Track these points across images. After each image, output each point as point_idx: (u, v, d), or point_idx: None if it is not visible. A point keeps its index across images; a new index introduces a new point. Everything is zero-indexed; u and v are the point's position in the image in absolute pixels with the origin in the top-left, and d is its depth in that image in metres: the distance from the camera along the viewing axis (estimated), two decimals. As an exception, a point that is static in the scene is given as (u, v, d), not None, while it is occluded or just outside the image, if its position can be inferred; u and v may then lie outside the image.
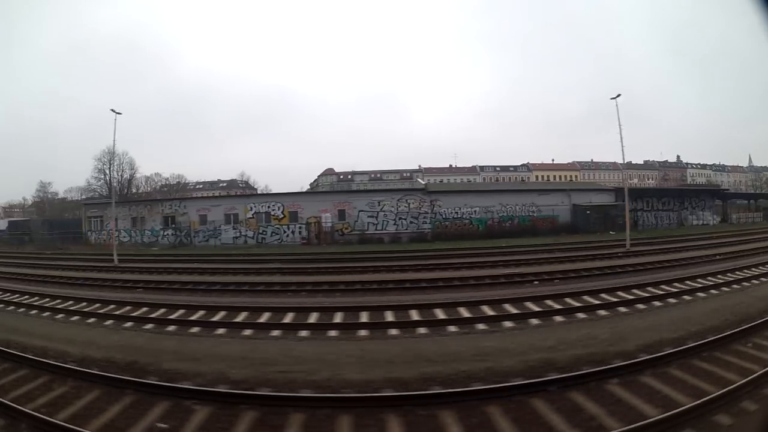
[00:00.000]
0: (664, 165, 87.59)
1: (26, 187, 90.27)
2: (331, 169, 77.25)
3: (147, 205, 39.03)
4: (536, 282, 12.81)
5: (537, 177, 77.28)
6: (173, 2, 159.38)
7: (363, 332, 8.19)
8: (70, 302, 11.49)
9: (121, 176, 59.82)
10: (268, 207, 36.62)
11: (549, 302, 9.82)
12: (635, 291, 10.61)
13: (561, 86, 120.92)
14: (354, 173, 75.60)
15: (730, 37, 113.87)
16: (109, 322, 9.55)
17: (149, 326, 9.02)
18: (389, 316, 9.09)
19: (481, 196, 37.87)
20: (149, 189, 69.25)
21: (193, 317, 9.54)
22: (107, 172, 56.26)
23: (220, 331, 8.55)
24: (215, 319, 9.35)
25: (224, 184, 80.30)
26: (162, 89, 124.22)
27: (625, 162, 34.56)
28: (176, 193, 67.43)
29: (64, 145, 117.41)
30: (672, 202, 40.43)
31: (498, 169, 77.95)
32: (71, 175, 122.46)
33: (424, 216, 35.96)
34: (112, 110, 24.61)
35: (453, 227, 35.77)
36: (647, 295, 10.20)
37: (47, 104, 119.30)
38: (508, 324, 8.40)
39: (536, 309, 9.29)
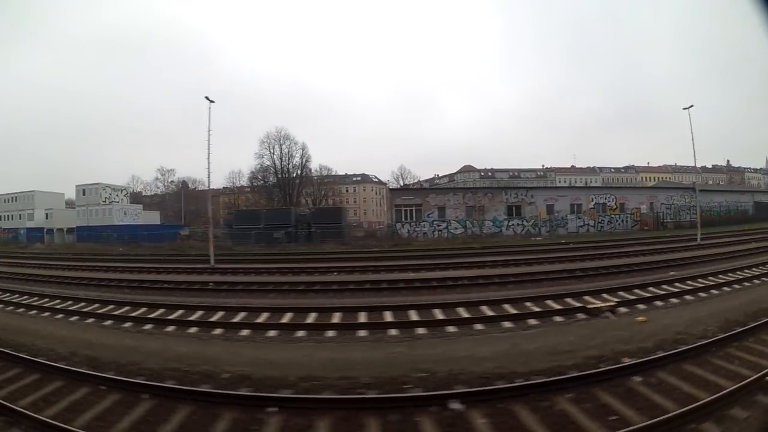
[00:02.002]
0: (720, 169, 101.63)
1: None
2: (471, 166, 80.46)
3: (488, 193, 39.93)
4: None
5: (642, 178, 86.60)
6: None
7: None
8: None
9: (289, 161, 57.67)
10: (605, 198, 40.26)
11: None
12: None
13: (580, 89, 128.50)
14: (494, 170, 79.53)
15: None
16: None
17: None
18: None
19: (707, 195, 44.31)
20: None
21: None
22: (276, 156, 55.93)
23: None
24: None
25: (358, 178, 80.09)
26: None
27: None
28: (324, 185, 66.42)
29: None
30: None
31: (612, 170, 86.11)
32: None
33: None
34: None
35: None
36: None
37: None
38: None
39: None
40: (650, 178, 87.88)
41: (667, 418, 4.10)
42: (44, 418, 4.50)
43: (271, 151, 56.25)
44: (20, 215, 57.77)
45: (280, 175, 57.09)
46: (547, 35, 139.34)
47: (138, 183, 73.99)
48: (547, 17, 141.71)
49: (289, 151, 56.76)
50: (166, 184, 72.77)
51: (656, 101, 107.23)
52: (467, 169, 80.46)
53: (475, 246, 26.28)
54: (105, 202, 54.42)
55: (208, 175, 22.28)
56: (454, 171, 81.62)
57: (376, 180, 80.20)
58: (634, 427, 3.96)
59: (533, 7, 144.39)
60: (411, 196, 40.67)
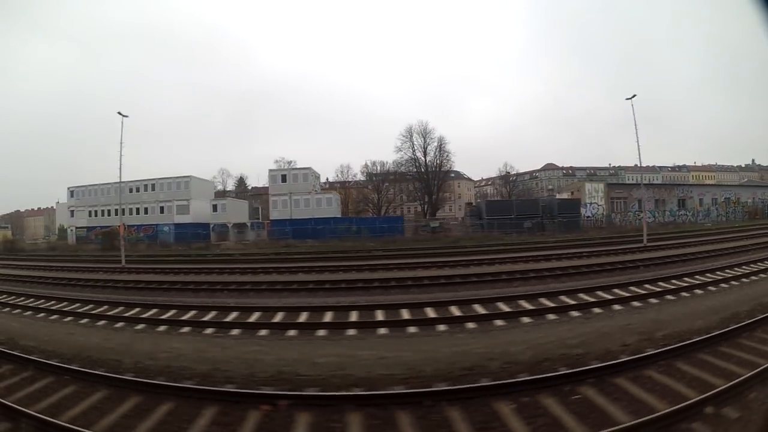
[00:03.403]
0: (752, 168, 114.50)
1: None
2: (553, 164, 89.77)
3: (667, 189, 49.96)
4: None
5: (693, 176, 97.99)
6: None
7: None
8: None
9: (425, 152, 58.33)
10: (730, 194, 50.65)
11: None
12: None
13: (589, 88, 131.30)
14: (574, 168, 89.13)
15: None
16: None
17: None
18: None
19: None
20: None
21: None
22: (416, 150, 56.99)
23: None
24: None
25: (452, 174, 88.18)
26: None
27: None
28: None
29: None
30: None
31: (669, 169, 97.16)
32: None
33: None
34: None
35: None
36: None
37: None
38: None
39: None
40: (699, 176, 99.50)
41: None
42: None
43: (412, 143, 57.10)
44: (162, 208, 46.58)
45: (423, 169, 58.44)
46: (553, 36, 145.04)
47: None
48: (558, 19, 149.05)
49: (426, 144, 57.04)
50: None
51: (657, 102, 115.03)
52: (550, 167, 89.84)
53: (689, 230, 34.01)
54: (314, 190, 46.35)
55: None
56: (537, 168, 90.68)
57: (466, 176, 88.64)
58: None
59: (547, 9, 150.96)
60: (620, 191, 49.05)
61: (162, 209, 46.63)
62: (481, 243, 27.54)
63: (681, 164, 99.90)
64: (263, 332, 8.22)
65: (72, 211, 52.64)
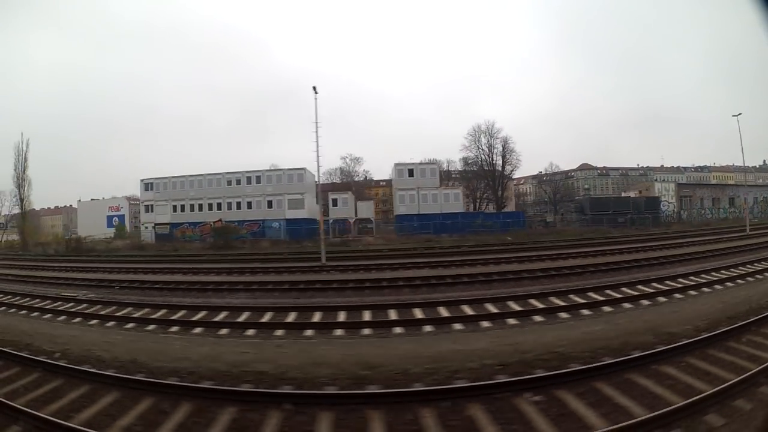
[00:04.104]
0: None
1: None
2: (588, 164, 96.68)
3: (720, 188, 57.65)
4: None
5: (714, 176, 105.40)
6: None
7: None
8: None
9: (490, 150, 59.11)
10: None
11: None
12: None
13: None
14: (608, 168, 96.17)
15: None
16: None
17: None
18: None
19: None
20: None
21: None
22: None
23: None
24: None
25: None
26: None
27: None
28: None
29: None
30: None
31: (692, 169, 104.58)
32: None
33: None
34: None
35: None
36: None
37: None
38: None
39: None
40: (721, 177, 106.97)
41: None
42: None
43: (478, 143, 58.16)
44: (270, 202, 44.37)
45: (486, 167, 59.61)
46: (559, 35, 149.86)
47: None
48: (566, 19, 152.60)
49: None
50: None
51: (659, 103, 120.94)
52: (585, 167, 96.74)
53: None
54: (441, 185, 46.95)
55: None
56: (574, 168, 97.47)
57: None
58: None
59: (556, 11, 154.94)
60: (687, 190, 56.30)
61: (270, 203, 44.53)
62: (604, 236, 32.59)
63: (702, 165, 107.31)
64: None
65: (148, 206, 49.03)
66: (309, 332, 8.85)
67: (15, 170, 52.71)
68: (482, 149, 57.81)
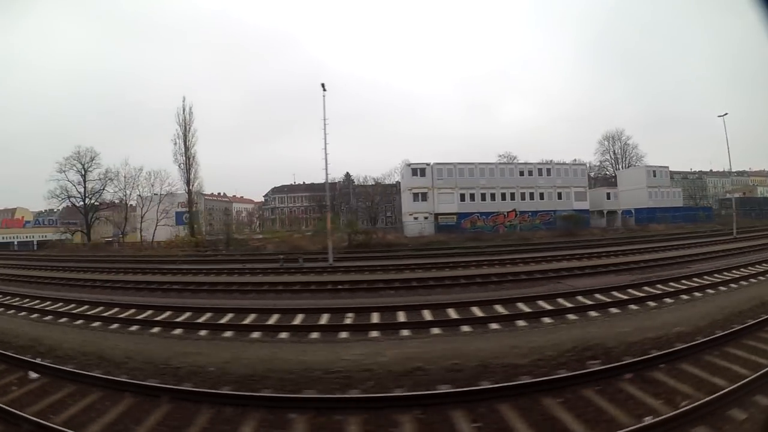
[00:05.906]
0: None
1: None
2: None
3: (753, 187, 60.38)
4: None
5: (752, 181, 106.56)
6: None
7: None
8: None
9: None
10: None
11: None
12: None
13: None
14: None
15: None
16: None
17: None
18: None
19: None
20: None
21: None
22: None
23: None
24: None
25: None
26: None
27: None
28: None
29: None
30: None
31: (735, 173, 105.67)
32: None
33: None
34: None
35: None
36: None
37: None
38: None
39: None
40: (756, 181, 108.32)
41: None
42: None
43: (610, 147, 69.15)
44: (560, 194, 45.78)
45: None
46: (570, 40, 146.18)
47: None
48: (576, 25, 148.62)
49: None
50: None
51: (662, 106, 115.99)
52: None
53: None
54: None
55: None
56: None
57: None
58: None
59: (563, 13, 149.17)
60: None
61: (560, 195, 45.68)
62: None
63: (741, 170, 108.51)
64: None
65: (417, 194, 43.26)
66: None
67: (175, 145, 45.89)
68: (609, 153, 67.58)
